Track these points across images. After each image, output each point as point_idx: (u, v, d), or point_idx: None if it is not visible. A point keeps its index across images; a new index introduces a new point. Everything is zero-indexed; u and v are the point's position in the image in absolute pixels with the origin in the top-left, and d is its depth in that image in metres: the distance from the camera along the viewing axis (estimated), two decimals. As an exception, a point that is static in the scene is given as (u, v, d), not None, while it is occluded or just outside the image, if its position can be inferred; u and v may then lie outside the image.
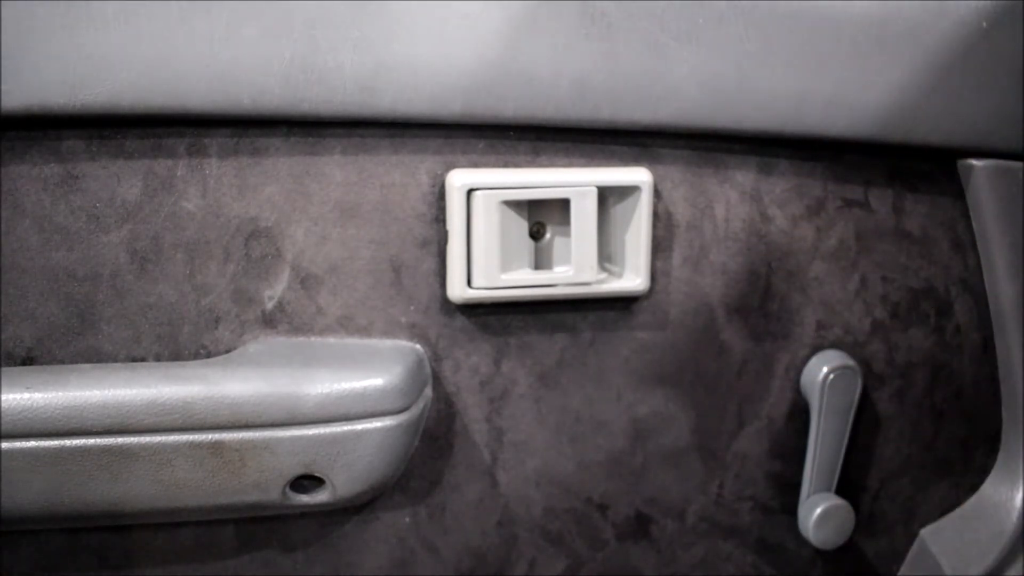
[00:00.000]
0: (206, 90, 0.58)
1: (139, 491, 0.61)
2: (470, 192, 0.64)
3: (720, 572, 0.79)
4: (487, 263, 0.65)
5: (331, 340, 0.66)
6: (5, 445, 0.58)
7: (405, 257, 0.66)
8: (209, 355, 0.65)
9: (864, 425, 0.78)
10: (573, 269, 0.66)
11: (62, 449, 0.58)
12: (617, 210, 0.69)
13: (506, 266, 0.66)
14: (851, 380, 0.74)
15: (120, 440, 0.59)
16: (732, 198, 0.71)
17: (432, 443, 0.70)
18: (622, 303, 0.71)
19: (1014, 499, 0.80)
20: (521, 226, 0.67)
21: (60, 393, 0.58)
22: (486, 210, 0.64)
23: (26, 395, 0.58)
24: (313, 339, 0.66)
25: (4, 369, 0.60)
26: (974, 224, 0.75)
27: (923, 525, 0.82)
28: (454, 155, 0.65)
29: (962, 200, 0.75)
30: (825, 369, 0.73)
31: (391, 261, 0.66)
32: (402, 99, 0.61)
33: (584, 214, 0.66)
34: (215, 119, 0.60)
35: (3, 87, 0.55)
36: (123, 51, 0.56)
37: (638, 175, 0.67)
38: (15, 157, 0.59)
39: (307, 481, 0.65)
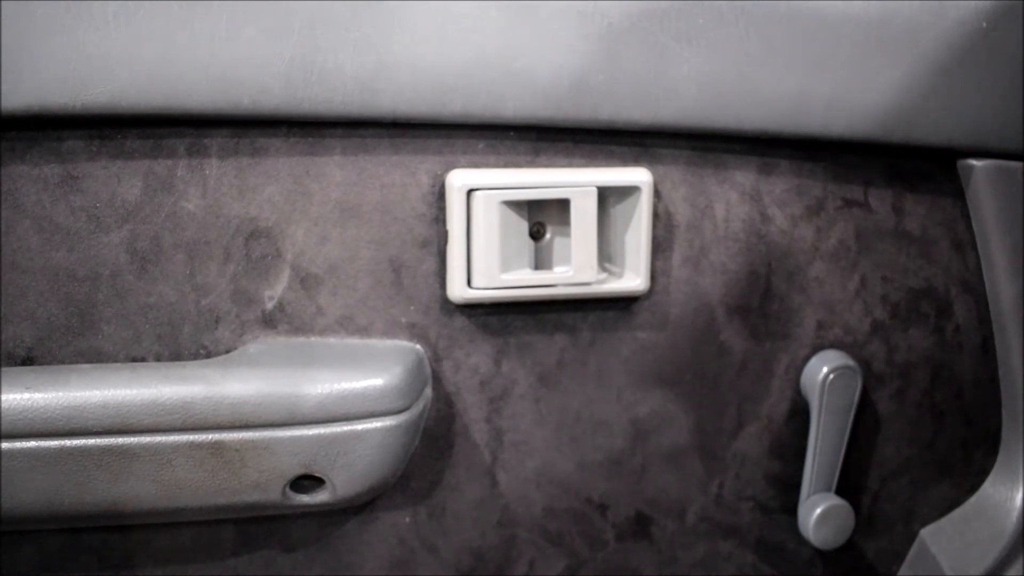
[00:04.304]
0: (206, 90, 0.58)
1: (139, 491, 0.61)
2: (470, 192, 0.64)
3: (720, 572, 0.79)
4: (487, 263, 0.65)
5: (331, 340, 0.66)
6: (5, 445, 0.58)
7: (405, 257, 0.66)
8: (209, 355, 0.65)
9: (864, 425, 0.78)
10: (573, 269, 0.66)
11: (62, 449, 0.58)
12: (617, 210, 0.69)
13: (506, 266, 0.66)
14: (851, 380, 0.74)
15: (120, 440, 0.59)
16: (732, 198, 0.71)
17: (432, 443, 0.70)
18: (622, 303, 0.71)
19: (1014, 499, 0.80)
20: (521, 226, 0.67)
21: (60, 393, 0.58)
22: (486, 210, 0.64)
23: (26, 395, 0.58)
24: (313, 339, 0.66)
25: (4, 369, 0.60)
26: (974, 224, 0.75)
27: (923, 525, 0.82)
28: (454, 155, 0.65)
29: (962, 200, 0.75)
30: (825, 369, 0.73)
31: (391, 261, 0.66)
32: (402, 99, 0.61)
33: (584, 214, 0.66)
34: (215, 119, 0.60)
35: (3, 87, 0.55)
36: (123, 51, 0.56)
37: (638, 175, 0.67)
38: (15, 157, 0.59)
39: (307, 481, 0.65)
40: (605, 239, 0.70)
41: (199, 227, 0.63)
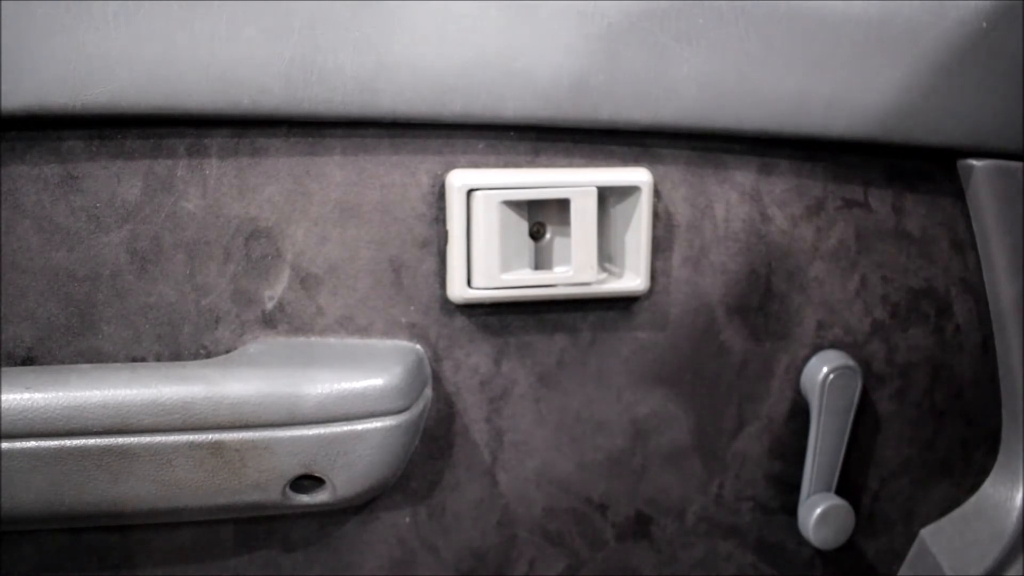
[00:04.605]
0: (206, 90, 0.58)
1: (139, 491, 0.61)
2: (470, 192, 0.64)
3: (720, 572, 0.79)
4: (487, 263, 0.65)
5: (331, 340, 0.66)
6: (5, 445, 0.58)
7: (405, 257, 0.66)
8: (209, 355, 0.65)
9: (864, 425, 0.78)
10: (573, 269, 0.66)
11: (62, 449, 0.58)
12: (617, 210, 0.69)
13: (506, 266, 0.66)
14: (851, 380, 0.74)
15: (120, 440, 0.59)
16: (732, 198, 0.71)
17: (432, 443, 0.70)
18: (622, 303, 0.71)
19: (1014, 499, 0.80)
20: (521, 226, 0.67)
21: (60, 393, 0.58)
22: (486, 210, 0.64)
23: (26, 395, 0.58)
24: (313, 339, 0.66)
25: (4, 369, 0.60)
26: (974, 224, 0.75)
27: (923, 525, 0.82)
28: (454, 155, 0.65)
29: (962, 200, 0.75)
30: (825, 369, 0.73)
31: (391, 261, 0.66)
32: (402, 99, 0.61)
33: (584, 214, 0.66)
34: (215, 119, 0.60)
35: (3, 87, 0.55)
36: (123, 51, 0.56)
37: (638, 175, 0.67)
38: (15, 157, 0.59)
39: (307, 481, 0.65)
40: (605, 239, 0.70)
41: (199, 227, 0.63)
